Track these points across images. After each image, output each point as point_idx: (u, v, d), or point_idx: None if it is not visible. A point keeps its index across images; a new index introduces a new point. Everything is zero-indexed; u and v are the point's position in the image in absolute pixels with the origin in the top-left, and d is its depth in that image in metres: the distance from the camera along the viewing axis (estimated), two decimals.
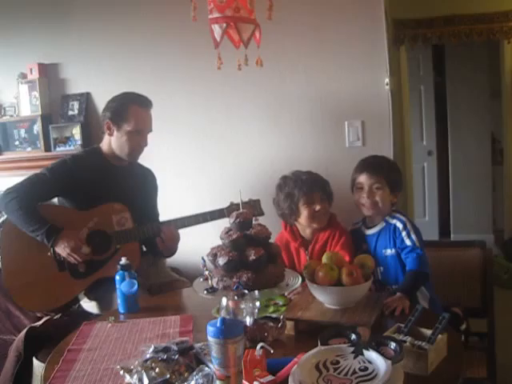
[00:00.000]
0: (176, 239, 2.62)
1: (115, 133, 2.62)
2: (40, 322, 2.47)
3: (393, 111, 2.90)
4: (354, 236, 2.53)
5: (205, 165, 3.26)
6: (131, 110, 2.59)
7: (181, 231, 2.63)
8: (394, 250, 2.35)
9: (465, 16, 4.23)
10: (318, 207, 2.46)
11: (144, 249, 2.80)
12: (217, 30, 2.06)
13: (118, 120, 2.60)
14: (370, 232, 2.47)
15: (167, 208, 2.83)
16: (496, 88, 5.31)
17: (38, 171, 2.62)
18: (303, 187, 2.46)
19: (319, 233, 2.52)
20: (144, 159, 2.81)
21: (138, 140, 2.62)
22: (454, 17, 4.24)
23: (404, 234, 2.31)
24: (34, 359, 2.24)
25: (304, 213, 2.46)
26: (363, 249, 2.45)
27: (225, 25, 2.04)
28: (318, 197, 2.48)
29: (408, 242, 2.28)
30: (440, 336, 1.55)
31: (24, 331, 2.36)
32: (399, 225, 2.34)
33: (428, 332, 1.58)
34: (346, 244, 2.46)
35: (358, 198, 2.43)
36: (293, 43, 2.99)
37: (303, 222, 2.51)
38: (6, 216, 2.71)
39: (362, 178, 2.41)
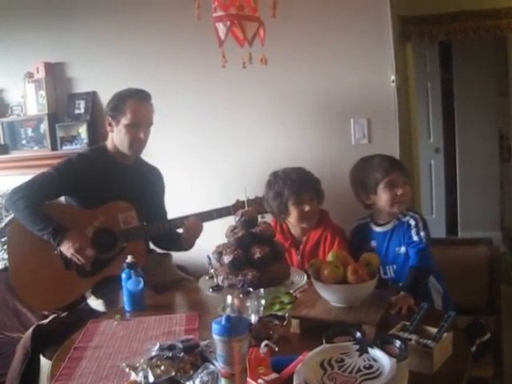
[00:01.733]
0: (200, 230, 2.62)
1: (115, 128, 2.64)
2: (47, 320, 2.48)
3: (399, 108, 2.89)
4: (361, 231, 2.51)
5: (211, 162, 3.27)
6: (128, 103, 2.61)
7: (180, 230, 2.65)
8: (406, 248, 2.34)
9: (472, 12, 4.19)
10: (307, 208, 2.44)
11: (152, 246, 2.81)
12: (221, 28, 2.06)
13: (116, 114, 2.62)
14: (380, 229, 2.43)
15: (174, 205, 2.83)
16: (504, 85, 5.28)
17: (44, 170, 2.64)
18: (293, 187, 2.43)
19: (310, 232, 2.51)
20: (150, 157, 2.82)
21: (136, 132, 2.62)
22: (460, 13, 4.20)
23: (414, 230, 2.30)
24: (41, 356, 2.25)
25: (294, 213, 2.45)
26: (371, 246, 2.42)
27: (229, 23, 2.04)
28: (308, 197, 2.46)
29: (415, 238, 2.28)
30: (445, 334, 1.55)
31: (31, 329, 2.38)
32: (412, 222, 2.32)
33: (433, 330, 1.58)
34: (341, 244, 2.45)
35: (390, 196, 2.34)
36: (297, 41, 2.99)
37: (293, 222, 2.50)
38: (13, 215, 2.73)
39: (395, 175, 2.35)
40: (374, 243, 2.44)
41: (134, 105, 2.62)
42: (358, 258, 1.99)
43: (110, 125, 2.66)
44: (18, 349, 2.35)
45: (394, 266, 2.36)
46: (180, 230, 2.65)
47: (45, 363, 2.20)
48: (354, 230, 2.56)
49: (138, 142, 2.66)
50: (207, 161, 3.28)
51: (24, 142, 3.73)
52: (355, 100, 2.93)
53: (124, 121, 2.60)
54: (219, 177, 3.23)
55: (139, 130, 2.63)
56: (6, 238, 2.90)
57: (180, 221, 2.61)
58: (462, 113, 5.59)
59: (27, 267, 2.54)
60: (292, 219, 2.48)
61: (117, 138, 2.65)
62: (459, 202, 5.71)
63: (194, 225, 2.58)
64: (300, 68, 3.01)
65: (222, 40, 2.06)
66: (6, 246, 2.95)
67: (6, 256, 2.99)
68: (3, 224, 3.17)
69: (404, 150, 2.96)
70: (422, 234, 2.28)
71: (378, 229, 2.44)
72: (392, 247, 2.38)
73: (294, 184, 2.44)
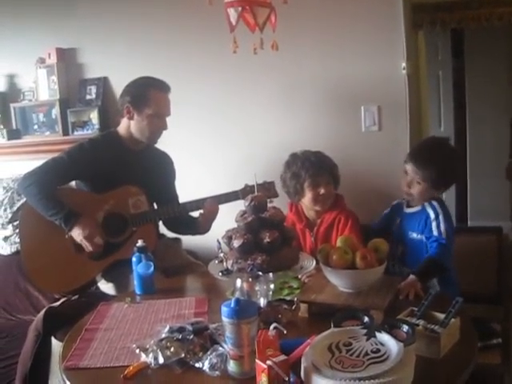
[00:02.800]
0: (216, 213, 2.62)
1: (135, 117, 2.63)
2: (58, 303, 2.51)
3: (410, 96, 2.88)
4: (396, 208, 2.56)
5: (221, 148, 3.28)
6: (152, 94, 2.61)
7: (195, 214, 2.66)
8: (420, 236, 2.35)
9: None
10: (322, 191, 2.48)
11: (162, 231, 2.83)
12: (232, 13, 2.06)
13: (138, 104, 2.61)
14: (408, 210, 2.48)
15: (184, 190, 2.85)
16: None
17: (55, 155, 2.66)
18: (310, 169, 2.48)
19: (325, 214, 2.53)
20: (161, 143, 2.83)
21: (158, 124, 2.64)
22: (473, 0, 4.16)
23: (434, 224, 2.29)
24: (53, 338, 2.28)
25: (308, 195, 2.49)
26: (396, 222, 2.49)
27: (240, 8, 2.04)
28: (324, 180, 2.50)
29: (435, 233, 2.27)
30: (453, 320, 1.55)
31: (43, 311, 2.41)
32: (432, 215, 2.32)
33: (441, 316, 1.58)
34: (353, 227, 2.47)
35: (402, 183, 2.43)
36: (309, 27, 2.97)
37: (307, 203, 2.53)
38: (25, 199, 2.75)
39: (409, 167, 2.38)
40: (398, 220, 2.50)
41: (159, 96, 2.63)
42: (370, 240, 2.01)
43: (128, 113, 2.64)
44: (29, 331, 2.38)
45: (402, 249, 2.40)
46: (194, 214, 2.67)
47: (56, 345, 2.23)
48: (393, 206, 2.60)
49: (159, 133, 2.68)
50: (217, 147, 3.28)
51: (36, 127, 3.75)
52: (366, 87, 2.92)
53: (148, 111, 2.60)
54: (229, 163, 3.24)
55: (161, 121, 2.65)
56: (18, 222, 2.94)
57: (191, 205, 2.62)
58: (473, 102, 5.55)
59: (39, 251, 2.57)
60: (306, 201, 2.52)
61: (136, 126, 2.64)
62: (469, 190, 5.69)
63: (210, 208, 2.60)
64: (311, 55, 3.00)
65: (234, 25, 2.06)
66: (18, 230, 2.98)
67: (17, 240, 3.03)
68: (15, 208, 3.20)
69: (414, 138, 2.95)
70: (443, 228, 2.26)
71: (408, 210, 2.48)
72: (406, 229, 2.42)
73: (312, 167, 2.48)
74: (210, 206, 2.59)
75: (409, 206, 2.49)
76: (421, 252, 2.32)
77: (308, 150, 2.58)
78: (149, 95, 2.60)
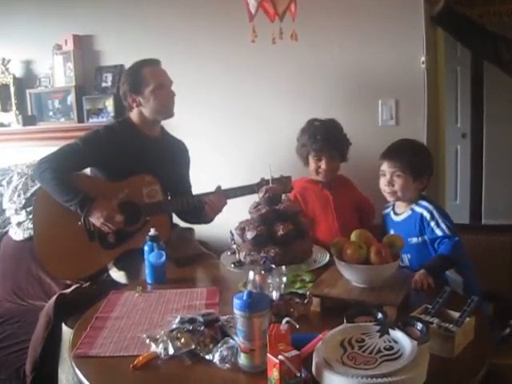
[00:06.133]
0: (222, 207, 2.62)
1: (142, 101, 2.64)
2: (69, 290, 2.51)
3: (428, 91, 2.84)
4: (384, 221, 2.53)
5: (237, 138, 3.26)
6: (144, 72, 2.63)
7: None
8: (420, 239, 2.31)
9: None
10: (323, 165, 2.60)
11: (175, 221, 2.82)
12: (252, 2, 2.04)
13: (137, 88, 2.63)
14: (397, 219, 2.43)
15: (199, 180, 2.85)
16: None
17: (71, 142, 2.65)
18: (313, 145, 2.59)
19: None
20: (177, 131, 2.82)
21: (163, 94, 2.65)
22: None
23: (433, 224, 2.25)
24: (63, 325, 2.29)
25: (312, 165, 2.64)
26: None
27: None
28: (327, 156, 2.59)
29: (439, 232, 2.23)
30: (468, 319, 1.53)
31: (54, 297, 2.41)
32: (426, 214, 2.28)
33: (456, 314, 1.56)
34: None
35: (380, 185, 2.41)
36: (328, 18, 2.94)
37: (310, 172, 2.67)
38: (38, 185, 2.76)
39: (384, 166, 2.38)
40: (392, 232, 2.42)
41: (151, 70, 2.65)
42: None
43: (134, 101, 2.65)
44: (41, 316, 2.38)
45: (409, 255, 2.34)
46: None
47: (66, 331, 2.23)
48: (382, 218, 2.57)
49: (170, 103, 2.69)
50: (233, 136, 3.27)
51: (51, 113, 3.75)
52: (384, 81, 2.89)
53: (148, 88, 2.61)
54: (245, 153, 3.23)
55: (166, 90, 2.66)
56: (31, 208, 2.94)
57: (204, 197, 2.61)
58: (490, 98, 5.48)
59: (52, 237, 2.57)
60: (310, 170, 2.66)
61: (147, 109, 2.65)
62: (484, 188, 5.63)
63: (217, 202, 2.59)
64: (330, 47, 2.97)
65: (253, 14, 2.03)
66: (31, 216, 2.99)
67: (30, 226, 3.04)
68: (29, 194, 3.21)
69: (431, 133, 2.92)
70: (444, 225, 2.23)
71: (396, 218, 2.44)
72: (405, 237, 2.29)
73: (317, 142, 2.58)
74: (216, 199, 2.58)
75: (396, 214, 2.44)
76: (424, 254, 2.27)
77: (323, 120, 2.67)
78: (143, 75, 2.63)
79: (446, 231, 2.21)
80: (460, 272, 2.25)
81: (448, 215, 2.30)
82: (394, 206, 2.49)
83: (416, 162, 2.35)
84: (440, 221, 2.24)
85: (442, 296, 1.65)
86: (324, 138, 2.57)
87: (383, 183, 2.39)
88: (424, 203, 2.33)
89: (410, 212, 2.36)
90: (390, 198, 2.42)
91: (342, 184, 2.71)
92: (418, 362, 1.28)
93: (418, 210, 2.32)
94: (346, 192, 2.69)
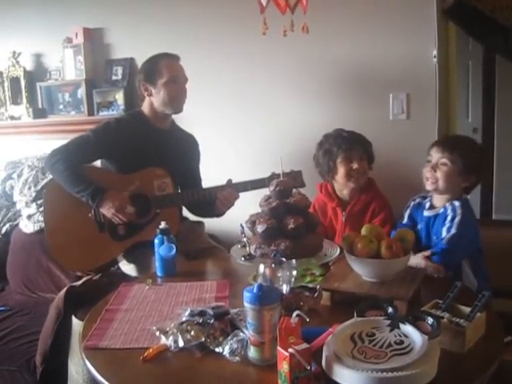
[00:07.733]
0: (234, 201, 2.61)
1: (153, 91, 2.65)
2: (80, 282, 2.52)
3: (439, 85, 2.82)
4: (415, 209, 2.42)
5: (247, 132, 3.26)
6: (161, 64, 2.65)
7: None
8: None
9: None
10: (355, 165, 2.49)
11: (185, 214, 2.82)
12: None
13: (151, 78, 2.64)
14: (427, 213, 2.34)
15: (209, 172, 2.85)
16: None
17: (82, 133, 2.66)
18: (342, 144, 2.50)
19: (360, 194, 2.52)
20: (187, 124, 2.82)
21: (175, 88, 2.65)
22: None
23: (447, 227, 2.19)
24: (73, 317, 2.30)
25: (341, 170, 2.50)
26: (417, 230, 2.34)
27: None
28: (357, 155, 2.50)
29: (445, 234, 2.18)
30: (479, 314, 1.52)
31: (64, 290, 2.41)
32: (449, 216, 2.20)
33: (467, 309, 1.55)
34: (383, 221, 2.46)
35: (424, 172, 2.31)
36: (339, 11, 2.92)
37: (340, 180, 2.53)
38: (49, 178, 2.77)
39: (433, 151, 2.29)
40: (419, 225, 2.36)
41: (168, 63, 2.66)
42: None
43: (146, 90, 2.67)
44: (51, 309, 2.39)
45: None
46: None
47: (76, 323, 2.24)
48: (412, 208, 2.45)
49: (180, 98, 2.69)
50: (243, 130, 3.26)
51: (61, 106, 3.76)
52: (395, 74, 2.87)
53: (162, 80, 2.62)
54: (255, 146, 3.22)
55: (178, 85, 2.67)
56: (42, 201, 2.96)
57: (215, 190, 2.61)
58: (502, 93, 5.44)
59: (62, 229, 2.59)
60: (339, 177, 2.53)
61: (156, 99, 2.66)
62: (495, 183, 5.60)
63: (228, 196, 2.58)
64: (340, 39, 2.95)
65: (264, 6, 2.03)
66: (41, 209, 3.01)
67: (41, 218, 3.05)
68: (39, 187, 3.22)
69: (442, 128, 2.90)
70: (449, 234, 2.15)
71: (427, 213, 2.35)
72: (433, 234, 2.29)
73: (344, 142, 2.51)
74: (228, 193, 2.58)
75: (429, 208, 2.35)
76: (457, 249, 2.17)
77: (340, 128, 2.60)
78: (159, 66, 2.64)
79: (444, 240, 2.15)
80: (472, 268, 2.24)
81: (465, 230, 2.17)
82: (431, 198, 2.38)
83: (467, 155, 2.23)
84: (453, 227, 2.16)
85: (453, 291, 1.64)
86: (350, 136, 2.54)
87: (426, 169, 2.29)
88: (456, 204, 2.22)
89: (442, 209, 2.27)
90: (429, 187, 2.29)
91: (362, 204, 2.55)
92: (429, 356, 1.27)
93: (448, 209, 2.24)
94: (361, 216, 2.54)
